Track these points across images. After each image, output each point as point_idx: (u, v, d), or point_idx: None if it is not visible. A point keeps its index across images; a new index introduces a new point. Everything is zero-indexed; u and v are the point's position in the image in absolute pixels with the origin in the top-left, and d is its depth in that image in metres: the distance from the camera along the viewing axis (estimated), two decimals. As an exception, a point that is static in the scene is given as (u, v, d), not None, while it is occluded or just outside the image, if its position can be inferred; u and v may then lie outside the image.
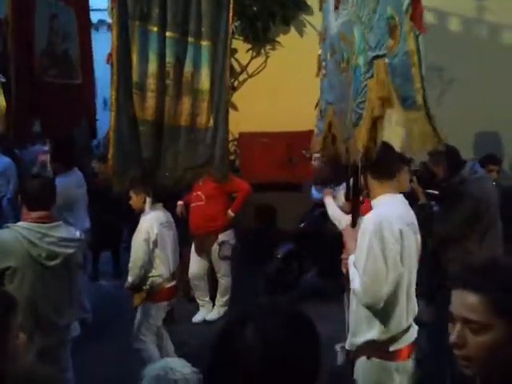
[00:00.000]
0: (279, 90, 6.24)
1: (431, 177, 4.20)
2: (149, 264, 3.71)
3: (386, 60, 2.37)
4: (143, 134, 3.40)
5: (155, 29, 3.34)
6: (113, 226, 6.08)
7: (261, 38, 6.30)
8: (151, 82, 3.36)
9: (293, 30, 6.51)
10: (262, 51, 6.46)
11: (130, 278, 3.71)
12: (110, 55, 3.30)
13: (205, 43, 3.43)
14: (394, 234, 2.33)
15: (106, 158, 5.94)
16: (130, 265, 3.71)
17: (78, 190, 4.60)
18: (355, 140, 2.68)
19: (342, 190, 3.96)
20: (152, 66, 3.35)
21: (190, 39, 3.42)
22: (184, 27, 3.38)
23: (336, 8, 3.39)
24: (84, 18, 3.90)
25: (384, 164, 2.50)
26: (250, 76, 6.45)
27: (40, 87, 3.43)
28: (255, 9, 6.17)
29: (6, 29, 3.15)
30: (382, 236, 2.30)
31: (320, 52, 3.76)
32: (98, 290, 5.74)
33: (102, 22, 13.61)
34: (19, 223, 2.80)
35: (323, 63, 3.68)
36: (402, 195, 2.60)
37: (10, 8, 3.11)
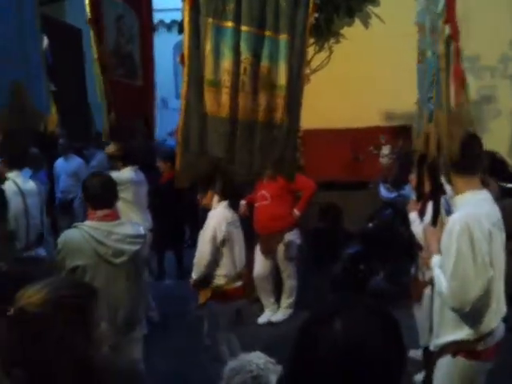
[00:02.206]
0: (344, 85, 6.05)
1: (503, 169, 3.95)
2: (214, 262, 3.64)
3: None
4: (216, 130, 3.37)
5: (230, 24, 3.30)
6: (176, 226, 6.12)
7: (324, 31, 6.12)
8: (226, 79, 3.33)
9: (357, 21, 6.29)
10: (326, 45, 6.27)
11: (194, 275, 3.66)
12: (182, 55, 3.30)
13: (282, 37, 3.38)
14: (484, 235, 2.23)
15: (169, 157, 6.06)
16: (195, 261, 3.66)
17: (132, 187, 4.60)
18: (431, 135, 2.62)
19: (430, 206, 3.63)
20: (227, 62, 3.32)
21: (268, 33, 3.36)
22: (260, 21, 3.34)
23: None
24: (146, 21, 3.96)
25: (468, 158, 2.38)
26: (314, 71, 6.28)
27: (111, 86, 3.51)
28: (317, 1, 6.00)
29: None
30: (471, 238, 2.21)
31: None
32: (163, 289, 5.79)
33: (161, 22, 14.00)
34: (86, 222, 2.83)
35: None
36: (486, 191, 2.45)
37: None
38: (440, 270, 2.34)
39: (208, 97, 3.32)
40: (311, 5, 3.38)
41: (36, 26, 2.99)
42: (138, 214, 4.53)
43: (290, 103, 3.45)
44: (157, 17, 13.82)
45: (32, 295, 1.33)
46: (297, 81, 3.45)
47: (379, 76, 5.75)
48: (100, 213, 2.79)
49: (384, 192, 5.56)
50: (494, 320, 2.35)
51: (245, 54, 3.34)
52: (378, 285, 5.60)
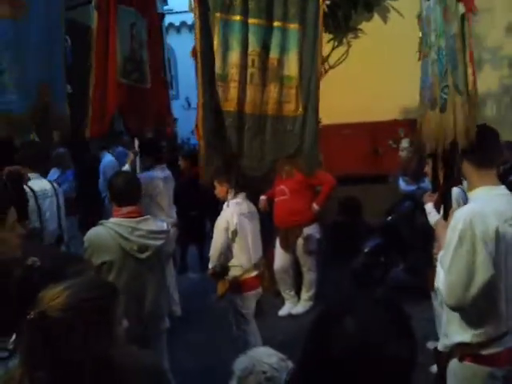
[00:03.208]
0: (362, 80, 6.05)
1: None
2: (228, 253, 3.74)
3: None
4: (227, 125, 3.35)
5: (238, 18, 3.28)
6: (198, 221, 6.25)
7: (342, 26, 6.13)
8: (234, 72, 3.30)
9: (376, 16, 6.28)
10: (344, 40, 6.28)
11: (210, 265, 3.77)
12: (194, 50, 3.30)
13: (292, 26, 3.30)
14: (488, 233, 2.10)
15: (189, 155, 6.16)
16: (211, 252, 3.77)
17: (161, 184, 4.75)
18: (444, 127, 2.51)
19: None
20: (235, 56, 3.30)
21: (277, 23, 3.31)
22: (269, 12, 3.29)
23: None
24: (153, 25, 4.01)
25: (484, 150, 2.25)
26: (332, 67, 6.31)
27: (125, 90, 3.62)
28: (336, -3, 6.03)
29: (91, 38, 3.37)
30: (473, 234, 2.10)
31: (420, 35, 3.58)
32: (186, 282, 5.93)
33: (183, 23, 14.13)
34: (111, 219, 2.93)
35: (422, 47, 3.50)
36: (503, 187, 2.31)
37: (96, 20, 3.35)
38: (440, 266, 2.25)
39: (219, 91, 3.31)
40: None
41: (61, 29, 3.06)
42: (164, 211, 4.67)
43: (304, 94, 3.35)
44: (179, 18, 14.04)
45: (53, 298, 1.33)
46: (311, 71, 3.33)
47: (397, 70, 5.73)
48: (125, 210, 2.89)
49: (403, 185, 5.57)
50: (503, 323, 2.19)
51: (252, 47, 3.30)
52: (399, 277, 5.63)
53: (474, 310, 2.15)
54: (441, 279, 2.21)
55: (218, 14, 3.26)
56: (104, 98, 3.45)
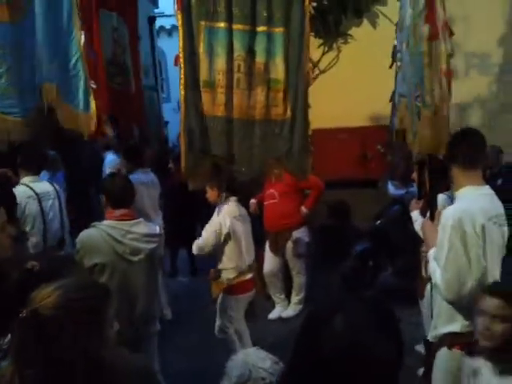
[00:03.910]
0: (352, 85, 6.10)
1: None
2: (223, 256, 3.77)
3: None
4: (215, 130, 3.38)
5: (222, 25, 3.31)
6: (188, 224, 6.24)
7: (332, 31, 6.18)
8: (220, 78, 3.33)
9: (366, 22, 6.35)
10: (334, 45, 6.34)
11: (195, 250, 3.81)
12: (178, 57, 3.36)
13: (277, 30, 3.32)
14: (476, 229, 2.25)
15: (178, 159, 6.16)
16: (200, 243, 3.76)
17: (143, 189, 4.66)
18: (420, 134, 2.65)
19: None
20: (220, 62, 3.32)
21: (262, 28, 3.33)
22: (253, 17, 3.31)
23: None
24: (134, 29, 4.05)
25: (468, 152, 2.38)
26: (322, 72, 6.35)
27: (109, 93, 3.63)
28: (326, 2, 6.07)
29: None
30: (463, 231, 2.24)
31: (395, 43, 3.65)
32: (176, 286, 5.92)
33: (175, 27, 14.10)
34: (104, 222, 2.93)
35: (398, 54, 3.58)
36: (488, 187, 2.46)
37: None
38: (436, 264, 2.36)
39: (205, 98, 3.35)
40: None
41: (73, 25, 3.04)
42: (147, 216, 4.55)
43: (292, 97, 3.36)
44: (170, 22, 13.99)
45: (45, 297, 1.35)
46: (297, 74, 3.33)
47: (386, 75, 5.79)
48: (118, 212, 2.89)
49: (392, 189, 5.63)
50: None
51: (238, 52, 3.32)
52: (387, 281, 5.68)
53: (465, 302, 2.27)
54: (437, 276, 2.32)
55: (202, 22, 3.30)
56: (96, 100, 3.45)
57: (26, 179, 3.67)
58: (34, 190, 3.62)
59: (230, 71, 3.33)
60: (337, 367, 1.06)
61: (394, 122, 3.45)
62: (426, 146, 2.85)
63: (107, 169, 5.88)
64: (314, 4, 5.89)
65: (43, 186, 3.78)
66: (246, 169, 3.46)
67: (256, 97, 3.38)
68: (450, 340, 2.39)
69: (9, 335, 1.52)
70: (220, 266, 3.84)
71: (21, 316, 1.32)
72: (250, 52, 3.34)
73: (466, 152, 2.37)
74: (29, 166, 3.69)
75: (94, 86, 3.24)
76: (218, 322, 3.88)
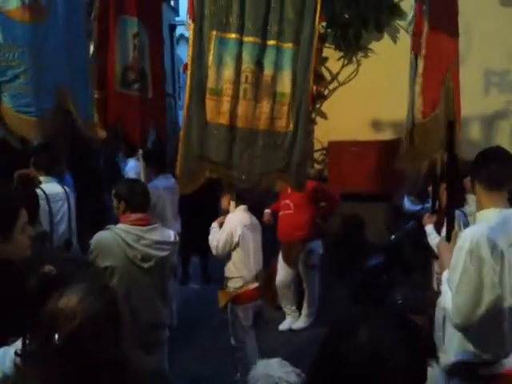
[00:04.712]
0: (370, 98, 6.08)
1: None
2: (231, 265, 3.79)
3: None
4: (216, 137, 3.43)
5: (233, 36, 3.37)
6: (201, 232, 6.23)
7: (353, 45, 6.18)
8: (227, 87, 3.38)
9: (386, 36, 6.33)
10: (354, 59, 6.33)
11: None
12: (186, 65, 3.42)
13: (287, 45, 3.39)
14: (494, 255, 2.12)
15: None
16: (216, 245, 3.79)
17: (165, 194, 4.74)
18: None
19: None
20: (228, 72, 3.38)
21: (272, 42, 3.40)
22: (264, 31, 3.37)
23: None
24: (156, 35, 4.06)
25: (493, 172, 2.26)
26: (341, 84, 6.35)
27: (124, 100, 3.65)
28: (347, 16, 6.08)
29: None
30: (480, 256, 2.12)
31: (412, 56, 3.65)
32: (188, 293, 5.92)
33: (182, 36, 14.28)
34: (118, 225, 2.94)
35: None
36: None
37: (95, 31, 3.40)
38: (447, 286, 2.26)
39: (209, 105, 3.40)
40: (318, 13, 3.36)
41: (83, 34, 3.10)
42: (167, 222, 4.63)
43: (295, 111, 3.43)
44: (179, 30, 14.16)
45: (71, 318, 1.33)
46: (303, 89, 3.41)
47: (405, 89, 5.78)
48: (133, 216, 2.91)
49: (408, 204, 5.57)
50: (507, 345, 2.19)
51: (246, 63, 3.38)
52: (400, 297, 5.60)
53: (478, 330, 2.16)
54: (448, 299, 2.23)
55: (214, 32, 3.36)
56: (104, 107, 3.48)
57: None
58: (44, 191, 3.62)
59: (237, 81, 3.39)
60: (360, 380, 1.06)
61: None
62: (416, 155, 2.83)
63: (130, 175, 5.94)
64: (335, 18, 5.94)
65: (53, 187, 3.79)
66: (246, 177, 3.50)
67: (261, 108, 3.44)
68: (460, 370, 2.26)
69: (23, 337, 1.52)
70: (227, 275, 3.85)
71: (54, 343, 1.30)
72: (259, 64, 3.41)
73: (492, 171, 2.26)
74: (40, 167, 3.70)
75: (96, 96, 3.30)
76: (230, 331, 3.87)
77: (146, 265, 2.88)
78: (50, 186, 3.74)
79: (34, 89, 2.71)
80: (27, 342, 1.45)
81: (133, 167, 6.30)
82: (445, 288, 2.29)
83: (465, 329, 2.18)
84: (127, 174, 6.18)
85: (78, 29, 3.02)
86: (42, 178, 3.66)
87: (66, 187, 3.94)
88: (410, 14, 2.43)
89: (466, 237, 2.20)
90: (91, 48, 3.25)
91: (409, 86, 2.55)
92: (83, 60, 3.09)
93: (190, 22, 3.34)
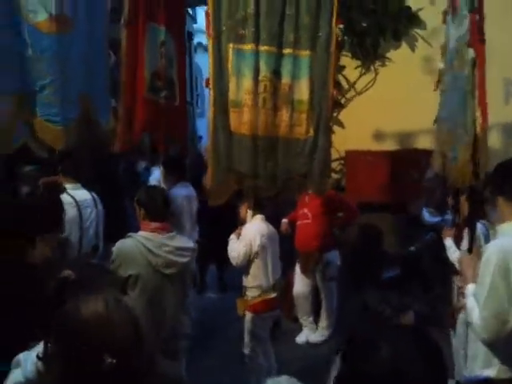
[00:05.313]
0: (388, 107, 6.04)
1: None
2: (249, 274, 3.78)
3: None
4: (240, 147, 3.46)
5: (249, 46, 3.41)
6: (219, 240, 6.21)
7: (370, 53, 6.15)
8: (247, 98, 3.43)
9: (404, 45, 6.30)
10: (372, 68, 6.30)
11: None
12: (208, 80, 3.47)
13: (304, 53, 3.42)
14: None
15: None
16: (234, 256, 3.78)
17: (184, 202, 4.73)
18: (464, 159, 2.61)
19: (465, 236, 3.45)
20: (247, 82, 3.42)
21: (288, 50, 3.42)
22: (280, 39, 3.40)
23: (452, 22, 3.30)
24: (181, 44, 4.11)
25: None
26: (359, 93, 6.32)
27: (152, 107, 3.66)
28: (364, 25, 6.06)
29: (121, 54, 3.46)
30: (507, 269, 2.10)
31: (442, 66, 3.61)
32: (205, 302, 5.87)
33: (200, 44, 14.36)
34: (140, 233, 2.94)
35: (444, 78, 3.54)
36: None
37: (124, 37, 3.40)
38: (473, 300, 2.23)
39: (232, 117, 3.45)
40: (334, 19, 3.38)
41: (104, 42, 3.14)
42: (186, 230, 4.62)
43: (314, 118, 3.46)
44: (197, 38, 14.27)
45: (89, 309, 1.34)
46: (322, 96, 3.44)
47: (423, 99, 5.74)
48: (153, 225, 2.90)
49: (427, 216, 5.50)
50: None
51: (264, 73, 3.41)
52: (417, 311, 5.51)
53: (505, 345, 2.14)
54: (475, 314, 2.19)
55: (231, 45, 3.41)
56: (132, 113, 3.50)
57: (66, 186, 3.76)
58: (74, 198, 3.70)
59: (256, 91, 3.43)
60: None
61: (438, 146, 3.40)
62: (465, 173, 2.77)
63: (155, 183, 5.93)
64: (352, 26, 5.93)
65: (82, 193, 3.86)
66: (271, 185, 3.54)
67: (281, 116, 3.48)
68: None
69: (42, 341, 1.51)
70: (245, 284, 3.84)
71: (105, 364, 1.29)
72: (276, 73, 3.44)
73: None
74: (68, 174, 3.77)
75: (113, 105, 3.34)
76: (245, 340, 3.84)
77: (168, 271, 2.88)
78: (79, 193, 3.81)
79: (59, 98, 2.76)
80: (49, 345, 1.43)
81: (157, 177, 6.31)
82: (470, 303, 2.26)
83: (492, 344, 2.16)
84: (151, 183, 6.18)
85: (100, 37, 3.07)
86: (70, 185, 3.76)
87: (93, 194, 3.99)
88: (465, 25, 2.43)
89: (493, 250, 2.18)
90: (112, 57, 3.27)
91: (465, 99, 2.53)
92: (103, 68, 3.12)
93: (208, 37, 3.40)
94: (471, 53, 2.55)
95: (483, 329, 2.13)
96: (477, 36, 2.55)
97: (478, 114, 2.62)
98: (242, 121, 3.44)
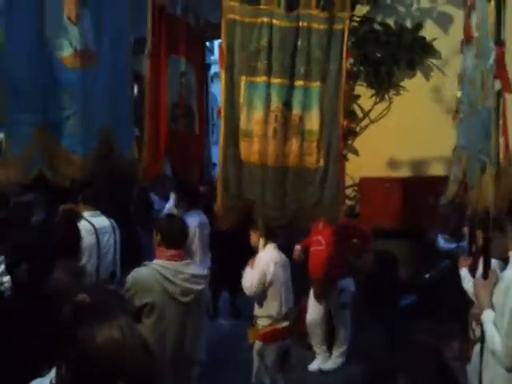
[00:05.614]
0: (402, 135, 6.08)
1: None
2: (261, 303, 3.78)
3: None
4: (250, 176, 3.52)
5: (262, 79, 3.48)
6: (232, 267, 6.22)
7: (385, 82, 6.23)
8: (257, 128, 3.49)
9: (418, 74, 6.36)
10: (386, 96, 6.37)
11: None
12: (220, 110, 3.56)
13: (314, 85, 3.48)
14: None
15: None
16: (247, 285, 3.82)
17: (196, 230, 4.75)
18: (483, 189, 2.61)
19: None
20: (258, 113, 3.49)
21: (299, 83, 3.49)
22: (292, 71, 3.47)
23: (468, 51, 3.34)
24: (200, 75, 4.23)
25: None
26: (373, 121, 6.38)
27: (172, 135, 3.76)
28: (379, 55, 6.15)
29: (144, 85, 3.57)
30: None
31: (459, 94, 3.64)
32: (217, 328, 5.86)
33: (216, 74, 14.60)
34: (155, 261, 2.97)
35: (461, 106, 3.57)
36: None
37: (147, 69, 3.51)
38: (493, 327, 2.25)
39: (243, 146, 3.50)
40: (345, 51, 3.45)
41: (128, 75, 3.23)
42: (198, 258, 4.65)
43: (325, 147, 3.51)
44: (213, 69, 14.55)
45: (103, 335, 1.35)
46: (332, 125, 3.50)
47: (437, 127, 5.76)
48: (169, 252, 2.94)
49: (442, 242, 5.47)
50: None
51: (275, 104, 3.47)
52: (433, 341, 5.44)
53: None
54: (497, 341, 2.21)
55: (243, 77, 3.48)
56: (157, 143, 3.59)
57: (85, 214, 3.84)
58: (93, 225, 3.78)
59: (266, 121, 3.50)
60: None
61: (455, 173, 3.40)
62: (487, 202, 2.78)
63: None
64: (367, 56, 6.02)
65: (101, 220, 3.94)
66: (281, 215, 3.56)
67: (291, 146, 3.52)
68: None
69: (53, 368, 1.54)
70: (256, 313, 3.84)
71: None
72: (287, 105, 3.50)
73: None
74: (88, 202, 3.86)
75: (137, 134, 3.43)
76: (254, 370, 3.83)
77: (185, 299, 2.90)
78: (98, 220, 3.88)
79: (81, 129, 2.83)
80: (62, 370, 1.45)
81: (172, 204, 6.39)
82: (490, 330, 2.27)
83: None
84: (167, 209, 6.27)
85: (123, 69, 3.15)
86: (90, 213, 3.84)
87: (112, 220, 4.06)
88: (491, 58, 2.49)
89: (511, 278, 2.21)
90: (136, 89, 3.38)
91: (489, 128, 2.60)
92: (127, 99, 3.21)
93: (221, 69, 3.49)
94: (498, 85, 2.56)
95: (507, 357, 2.16)
96: (503, 68, 2.56)
97: (501, 142, 2.65)
98: (252, 150, 3.50)
